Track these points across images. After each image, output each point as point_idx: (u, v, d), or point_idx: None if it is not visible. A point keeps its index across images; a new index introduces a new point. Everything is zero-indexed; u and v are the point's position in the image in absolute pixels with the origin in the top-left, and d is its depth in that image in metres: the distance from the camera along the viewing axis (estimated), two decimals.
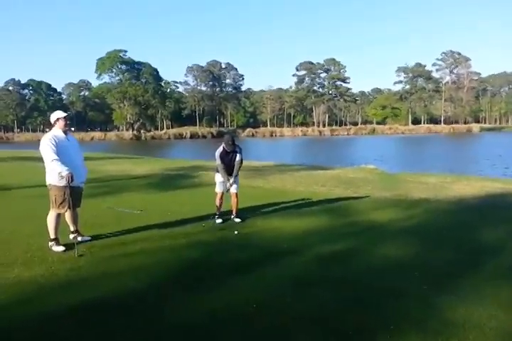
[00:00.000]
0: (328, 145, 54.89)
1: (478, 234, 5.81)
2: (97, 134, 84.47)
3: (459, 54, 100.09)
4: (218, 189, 6.60)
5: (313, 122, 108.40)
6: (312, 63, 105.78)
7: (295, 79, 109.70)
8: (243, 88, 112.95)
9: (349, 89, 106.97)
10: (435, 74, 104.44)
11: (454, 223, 6.46)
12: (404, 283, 3.90)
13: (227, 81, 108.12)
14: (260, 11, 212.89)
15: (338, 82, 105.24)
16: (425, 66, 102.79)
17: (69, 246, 4.92)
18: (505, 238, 5.57)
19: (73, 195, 5.00)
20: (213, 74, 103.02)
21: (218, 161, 6.44)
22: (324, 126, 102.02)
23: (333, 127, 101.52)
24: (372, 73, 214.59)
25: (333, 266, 4.39)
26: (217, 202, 6.58)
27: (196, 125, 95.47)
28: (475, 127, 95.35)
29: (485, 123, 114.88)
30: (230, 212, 6.64)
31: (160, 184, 10.87)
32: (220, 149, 6.41)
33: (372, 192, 9.36)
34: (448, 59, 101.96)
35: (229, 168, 6.49)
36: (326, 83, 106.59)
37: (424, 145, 49.49)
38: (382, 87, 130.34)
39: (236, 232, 5.75)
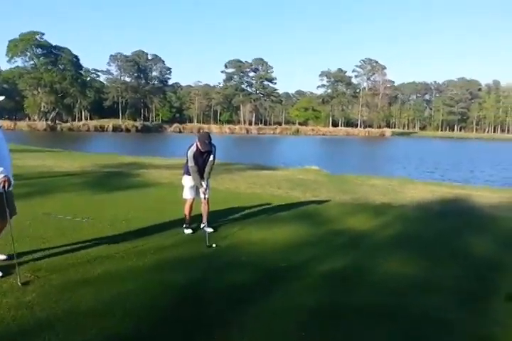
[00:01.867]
0: (258, 143, 55.09)
1: (468, 244, 5.65)
2: (6, 123, 74.79)
3: (376, 62, 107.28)
4: (188, 195, 5.69)
5: (239, 120, 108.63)
6: (241, 61, 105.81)
7: (223, 76, 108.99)
8: (170, 82, 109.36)
9: (276, 89, 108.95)
10: (354, 81, 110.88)
11: (436, 232, 6.28)
12: (440, 311, 3.45)
13: (154, 73, 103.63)
14: (192, 2, 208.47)
15: (266, 82, 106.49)
16: (346, 72, 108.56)
17: (4, 270, 3.76)
18: (496, 248, 5.47)
19: (8, 201, 3.81)
20: (139, 65, 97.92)
21: (191, 163, 5.51)
22: (251, 124, 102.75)
23: (260, 126, 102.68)
24: (296, 76, 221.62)
25: (347, 290, 3.83)
26: (187, 211, 5.68)
27: (119, 117, 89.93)
28: (387, 131, 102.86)
29: (394, 128, 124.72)
30: (196, 220, 5.79)
31: (98, 183, 9.48)
32: (194, 148, 5.51)
33: (331, 196, 9.06)
34: (366, 66, 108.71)
35: (202, 170, 5.63)
36: (254, 82, 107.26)
37: (349, 147, 52.03)
38: (305, 90, 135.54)
39: (214, 245, 4.94)
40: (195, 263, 4.34)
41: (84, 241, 4.85)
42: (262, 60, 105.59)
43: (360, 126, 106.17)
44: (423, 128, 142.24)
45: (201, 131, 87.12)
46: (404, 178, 14.14)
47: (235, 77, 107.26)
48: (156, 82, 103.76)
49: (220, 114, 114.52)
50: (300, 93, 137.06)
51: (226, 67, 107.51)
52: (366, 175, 14.85)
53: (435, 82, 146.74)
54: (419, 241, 5.65)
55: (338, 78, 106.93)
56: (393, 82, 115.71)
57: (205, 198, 5.68)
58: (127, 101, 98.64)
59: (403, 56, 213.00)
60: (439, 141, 78.43)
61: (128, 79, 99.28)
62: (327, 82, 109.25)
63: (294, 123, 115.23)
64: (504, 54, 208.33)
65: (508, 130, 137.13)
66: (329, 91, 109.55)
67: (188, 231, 5.54)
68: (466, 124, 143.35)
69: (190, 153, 5.48)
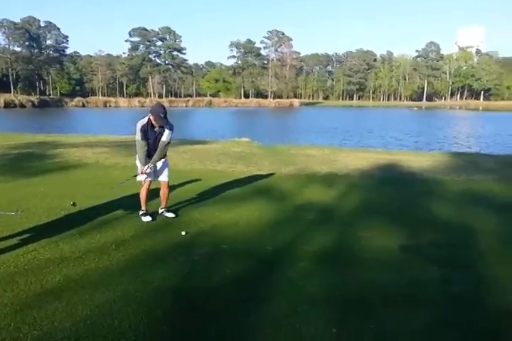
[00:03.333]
0: (174, 116, 52.44)
1: (429, 209, 5.74)
2: None
3: (283, 34, 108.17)
4: (144, 177, 4.94)
5: (148, 93, 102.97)
6: (147, 30, 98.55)
7: (128, 45, 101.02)
8: (68, 51, 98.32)
9: (185, 60, 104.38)
10: (263, 52, 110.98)
11: (393, 199, 6.31)
12: (460, 284, 3.38)
13: (48, 42, 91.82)
14: None
15: (175, 52, 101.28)
16: (255, 43, 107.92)
17: None
18: (458, 211, 5.64)
19: None
20: (30, 32, 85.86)
21: (138, 136, 4.73)
22: (161, 97, 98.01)
23: (171, 98, 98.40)
24: (205, 46, 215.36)
25: (351, 272, 3.55)
26: (143, 195, 4.96)
27: (10, 92, 79.06)
28: (296, 102, 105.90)
29: (301, 98, 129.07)
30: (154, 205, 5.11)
31: (11, 167, 8.06)
32: (144, 121, 4.72)
33: (275, 168, 8.83)
34: (273, 37, 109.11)
35: (152, 148, 4.88)
36: (162, 52, 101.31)
37: (265, 118, 52.39)
38: (215, 61, 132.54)
39: (183, 233, 4.37)
40: (172, 257, 3.73)
41: (24, 240, 3.95)
42: (169, 28, 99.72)
43: (270, 97, 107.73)
44: (326, 97, 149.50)
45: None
46: (334, 147, 14.50)
47: (141, 46, 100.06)
48: (51, 52, 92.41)
49: (127, 86, 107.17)
50: (210, 64, 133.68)
51: (131, 35, 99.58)
52: (296, 145, 14.93)
53: (336, 53, 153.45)
54: (384, 210, 5.64)
55: (247, 49, 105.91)
56: (299, 53, 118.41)
57: (162, 181, 5.01)
58: (19, 74, 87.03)
59: (307, 28, 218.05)
60: (344, 110, 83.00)
61: (18, 49, 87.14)
62: (237, 53, 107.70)
63: (205, 95, 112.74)
64: (396, 25, 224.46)
65: (400, 98, 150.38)
66: (240, 62, 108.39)
67: (147, 218, 4.84)
68: (363, 93, 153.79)
69: (139, 125, 4.68)
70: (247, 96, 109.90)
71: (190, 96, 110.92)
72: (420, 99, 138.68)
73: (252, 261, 3.72)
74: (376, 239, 4.39)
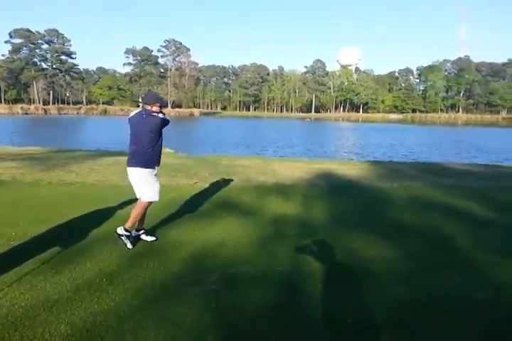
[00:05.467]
0: (66, 125, 48.18)
1: (392, 216, 5.98)
2: None
3: (180, 43, 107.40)
4: (154, 195, 4.32)
5: (30, 99, 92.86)
6: (31, 31, 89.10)
7: (9, 47, 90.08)
8: None
9: (76, 65, 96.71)
10: (161, 60, 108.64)
11: (352, 207, 6.49)
12: (473, 289, 3.48)
13: None
14: None
15: (63, 57, 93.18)
16: (152, 51, 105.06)
17: None
18: (421, 215, 5.93)
19: None
20: None
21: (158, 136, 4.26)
22: (47, 103, 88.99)
23: (60, 105, 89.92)
24: (96, 52, 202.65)
25: (368, 290, 3.48)
26: (141, 215, 4.32)
27: None
28: (196, 111, 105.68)
29: (200, 108, 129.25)
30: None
31: None
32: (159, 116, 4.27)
33: (220, 180, 8.49)
34: (171, 47, 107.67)
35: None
36: (48, 56, 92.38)
37: (169, 127, 50.67)
38: (107, 67, 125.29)
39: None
40: (184, 289, 3.23)
41: None
42: (56, 31, 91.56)
43: (170, 106, 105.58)
44: (224, 108, 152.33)
45: None
46: (263, 157, 14.60)
47: (24, 49, 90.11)
48: None
49: (5, 91, 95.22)
50: (102, 70, 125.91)
51: (11, 36, 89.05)
52: (221, 155, 14.71)
53: (232, 66, 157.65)
54: (355, 219, 5.74)
55: (144, 57, 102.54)
56: (197, 64, 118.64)
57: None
58: None
59: (203, 40, 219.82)
60: (244, 120, 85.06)
61: None
62: (133, 60, 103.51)
63: (96, 103, 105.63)
64: (287, 43, 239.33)
65: (292, 109, 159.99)
66: (136, 70, 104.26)
67: (129, 245, 4.19)
68: (259, 104, 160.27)
69: (160, 121, 4.19)
70: None
71: (79, 103, 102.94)
72: (309, 111, 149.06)
73: (273, 286, 3.41)
74: (368, 250, 4.40)
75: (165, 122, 4.23)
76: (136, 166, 4.17)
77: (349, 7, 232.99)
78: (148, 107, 4.20)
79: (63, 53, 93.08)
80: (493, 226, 5.47)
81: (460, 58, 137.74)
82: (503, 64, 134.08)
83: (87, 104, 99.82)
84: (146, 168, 4.18)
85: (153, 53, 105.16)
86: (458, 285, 3.51)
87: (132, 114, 4.28)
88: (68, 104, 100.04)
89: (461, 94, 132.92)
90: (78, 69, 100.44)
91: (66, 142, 22.09)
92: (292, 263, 3.93)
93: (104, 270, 3.53)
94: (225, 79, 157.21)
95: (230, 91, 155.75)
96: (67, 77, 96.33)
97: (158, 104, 4.23)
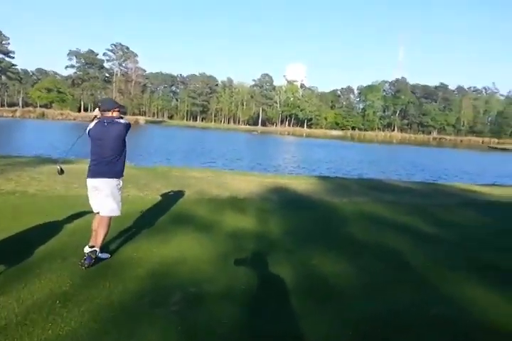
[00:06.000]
0: (2, 129, 44.63)
1: (347, 231, 6.14)
2: None
3: (128, 48, 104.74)
4: (118, 209, 4.18)
5: None
6: None
7: None
8: None
9: (14, 65, 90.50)
10: (106, 65, 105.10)
11: (306, 222, 6.59)
12: (441, 305, 3.65)
13: None
14: None
15: (0, 55, 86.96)
16: (97, 54, 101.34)
17: None
18: (375, 231, 6.15)
19: None
20: None
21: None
22: None
23: None
24: (36, 52, 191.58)
25: (346, 305, 3.54)
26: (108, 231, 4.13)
27: None
28: (141, 119, 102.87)
29: (145, 115, 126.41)
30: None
31: None
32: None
33: (173, 192, 8.34)
34: (118, 51, 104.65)
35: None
36: None
37: None
38: (47, 68, 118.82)
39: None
40: (145, 311, 3.08)
41: None
42: None
43: None
44: (171, 117, 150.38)
45: None
46: (214, 170, 14.49)
47: None
48: None
49: None
50: (42, 72, 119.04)
51: None
52: (170, 166, 14.43)
53: (180, 74, 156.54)
54: (307, 234, 5.84)
55: (89, 60, 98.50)
56: (145, 70, 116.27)
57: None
58: None
59: (152, 47, 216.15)
60: (192, 131, 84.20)
61: None
62: (77, 62, 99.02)
63: (34, 106, 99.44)
64: (236, 56, 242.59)
65: (239, 121, 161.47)
66: (80, 73, 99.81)
67: (103, 255, 4.01)
68: (206, 115, 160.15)
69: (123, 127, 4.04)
70: (86, 109, 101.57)
71: (16, 105, 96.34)
72: (256, 124, 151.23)
73: (237, 305, 3.35)
74: (325, 266, 4.49)
75: (128, 127, 4.08)
76: (102, 177, 3.96)
77: (297, 24, 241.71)
78: (109, 114, 4.03)
79: (1, 52, 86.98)
80: (436, 242, 5.83)
81: (397, 80, 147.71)
82: (435, 87, 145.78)
83: (23, 107, 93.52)
84: (113, 178, 4.00)
85: (98, 57, 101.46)
86: (413, 300, 3.67)
87: (91, 125, 4.06)
88: (3, 105, 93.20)
89: (397, 114, 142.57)
90: (16, 69, 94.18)
91: (1, 147, 20.49)
92: (254, 280, 3.90)
93: (55, 290, 3.28)
94: (173, 88, 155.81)
95: (177, 100, 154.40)
96: (3, 77, 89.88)
97: (117, 109, 4.07)
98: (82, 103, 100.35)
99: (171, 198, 7.65)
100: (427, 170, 25.06)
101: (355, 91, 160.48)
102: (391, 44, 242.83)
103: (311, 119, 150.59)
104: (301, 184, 11.44)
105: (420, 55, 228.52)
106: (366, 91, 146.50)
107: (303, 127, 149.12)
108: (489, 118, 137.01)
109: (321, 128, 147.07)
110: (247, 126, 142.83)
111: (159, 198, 7.62)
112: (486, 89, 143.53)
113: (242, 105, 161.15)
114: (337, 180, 13.43)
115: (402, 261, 4.84)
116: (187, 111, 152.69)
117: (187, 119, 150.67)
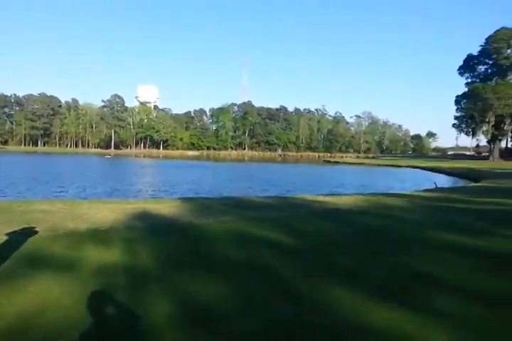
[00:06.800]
0: None
1: (227, 253, 6.25)
2: None
3: None
4: None
5: None
6: None
7: None
8: None
9: None
10: None
11: (185, 247, 6.51)
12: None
13: None
14: None
15: None
16: None
17: None
18: (256, 253, 6.39)
19: None
20: None
21: None
22: None
23: None
24: None
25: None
26: None
27: None
28: None
29: None
30: None
31: None
32: None
33: (21, 230, 7.28)
34: None
35: None
36: None
37: None
38: None
39: None
40: None
41: None
42: None
43: None
44: (5, 142, 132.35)
45: None
46: (65, 200, 13.06)
47: None
48: None
49: None
50: None
51: None
52: (13, 200, 12.58)
53: (15, 95, 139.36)
54: (181, 259, 5.78)
55: None
56: None
57: None
58: None
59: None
60: (31, 156, 74.67)
61: None
62: None
63: None
64: (80, 76, 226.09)
65: (89, 145, 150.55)
66: None
67: None
68: (49, 139, 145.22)
69: None
70: None
71: None
72: (108, 147, 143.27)
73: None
74: (205, 291, 4.48)
75: None
76: None
77: (146, 45, 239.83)
78: None
79: None
80: (298, 252, 6.41)
81: (244, 102, 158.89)
82: (277, 109, 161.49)
83: None
84: None
85: None
86: (288, 311, 3.98)
87: None
88: None
89: (246, 134, 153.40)
90: None
91: None
92: (131, 320, 3.69)
93: None
94: (6, 110, 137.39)
95: (12, 123, 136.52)
96: None
97: None
98: None
99: (18, 238, 6.65)
100: (277, 185, 27.27)
101: (208, 113, 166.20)
102: (236, 66, 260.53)
103: (166, 140, 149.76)
104: (165, 207, 11.24)
105: (262, 77, 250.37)
106: (218, 113, 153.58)
107: (159, 148, 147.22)
108: (322, 136, 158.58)
109: (178, 149, 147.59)
110: (99, 150, 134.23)
111: (3, 239, 6.56)
112: (317, 111, 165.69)
113: (92, 127, 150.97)
114: (200, 200, 13.59)
115: (274, 275, 5.15)
116: (25, 135, 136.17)
117: (25, 144, 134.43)
